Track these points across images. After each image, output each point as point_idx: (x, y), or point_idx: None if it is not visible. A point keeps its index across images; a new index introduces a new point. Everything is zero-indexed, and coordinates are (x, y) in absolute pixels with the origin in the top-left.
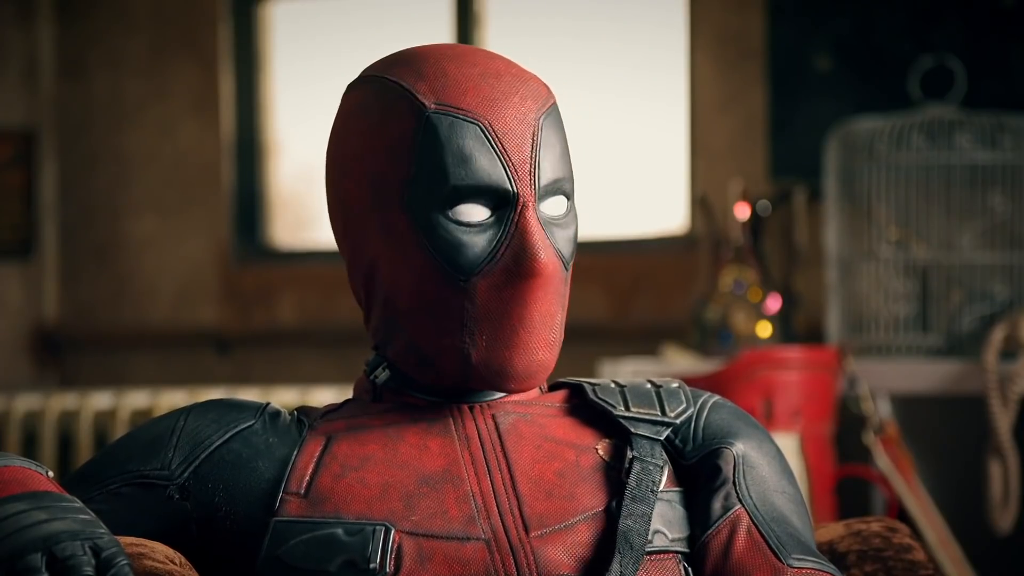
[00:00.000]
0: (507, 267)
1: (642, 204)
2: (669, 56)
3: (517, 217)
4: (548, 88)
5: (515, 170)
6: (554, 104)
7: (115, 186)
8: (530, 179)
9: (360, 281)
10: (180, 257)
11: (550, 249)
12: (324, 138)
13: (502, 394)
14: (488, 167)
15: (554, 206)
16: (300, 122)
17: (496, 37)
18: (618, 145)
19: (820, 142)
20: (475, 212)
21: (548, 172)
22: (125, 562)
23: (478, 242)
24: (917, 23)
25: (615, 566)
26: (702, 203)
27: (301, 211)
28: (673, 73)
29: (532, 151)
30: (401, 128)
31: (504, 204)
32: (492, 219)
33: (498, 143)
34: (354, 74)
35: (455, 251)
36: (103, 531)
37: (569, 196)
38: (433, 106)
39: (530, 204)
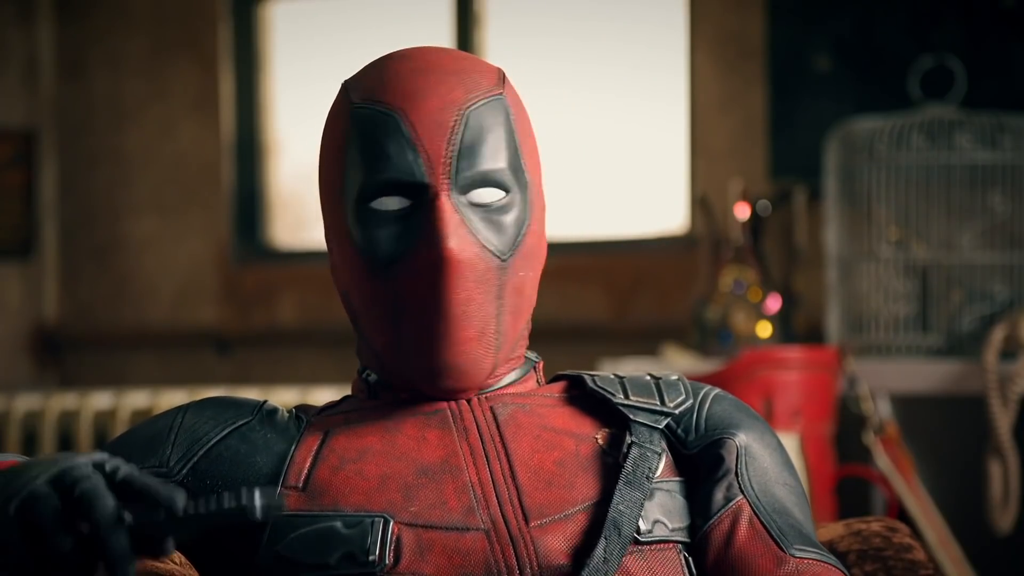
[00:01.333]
0: (420, 254)
1: (642, 204)
2: (669, 56)
3: (429, 205)
4: (499, 80)
5: (428, 159)
6: (498, 95)
7: (115, 186)
8: (445, 167)
9: (335, 282)
10: (180, 257)
11: (465, 236)
12: None
13: (498, 385)
14: (400, 159)
15: (482, 195)
16: (300, 122)
17: (496, 37)
18: (618, 145)
19: (820, 142)
20: (392, 202)
21: (471, 163)
22: (131, 466)
23: (395, 231)
24: (917, 23)
25: (599, 551)
26: (702, 203)
27: (301, 211)
28: (673, 73)
29: (450, 141)
30: (339, 125)
31: (419, 193)
32: (410, 208)
33: (413, 133)
34: (352, 72)
35: (374, 242)
36: (102, 454)
37: (506, 188)
38: (358, 100)
39: (443, 194)
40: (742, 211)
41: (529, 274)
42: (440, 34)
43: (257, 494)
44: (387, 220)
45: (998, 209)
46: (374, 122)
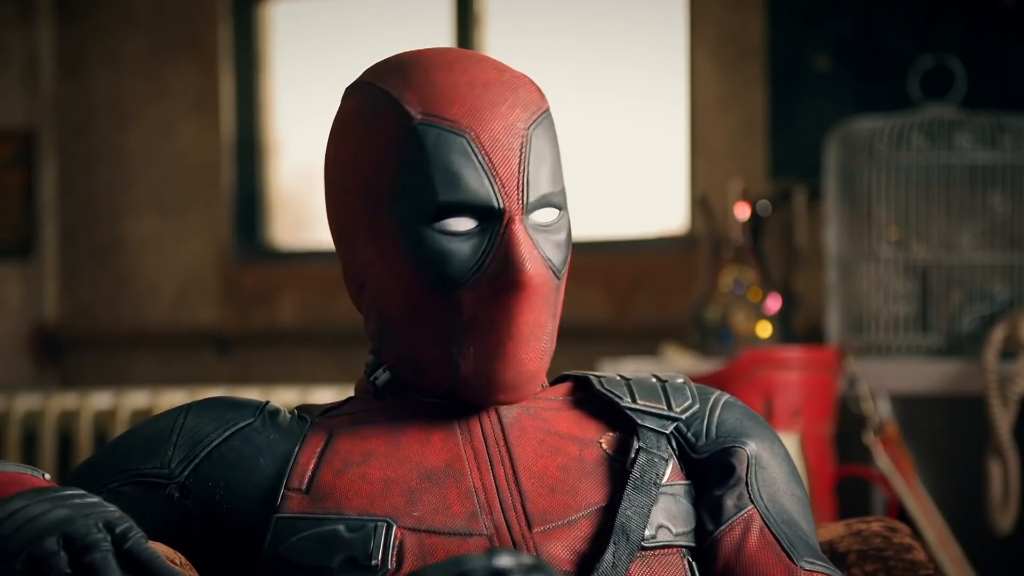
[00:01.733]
0: (493, 278)
1: (642, 204)
2: (669, 56)
3: (503, 230)
4: (540, 93)
5: (502, 185)
6: (546, 111)
7: (115, 186)
8: (518, 194)
9: (355, 287)
10: (180, 257)
11: (537, 260)
12: (324, 139)
13: None
14: (475, 183)
15: (542, 215)
16: (300, 122)
17: (496, 37)
18: (618, 145)
19: (820, 142)
20: (461, 223)
21: (537, 186)
22: (139, 534)
23: (463, 252)
24: (917, 23)
25: (608, 556)
26: (702, 203)
27: (301, 211)
28: (673, 73)
29: (520, 164)
30: (389, 138)
31: (490, 217)
32: (478, 229)
33: (485, 157)
34: (353, 74)
35: (440, 262)
36: (112, 508)
37: (560, 207)
38: (420, 116)
39: (517, 217)
40: (742, 211)
41: (564, 288)
42: (440, 34)
43: None
44: (454, 241)
45: (998, 209)
46: (443, 142)
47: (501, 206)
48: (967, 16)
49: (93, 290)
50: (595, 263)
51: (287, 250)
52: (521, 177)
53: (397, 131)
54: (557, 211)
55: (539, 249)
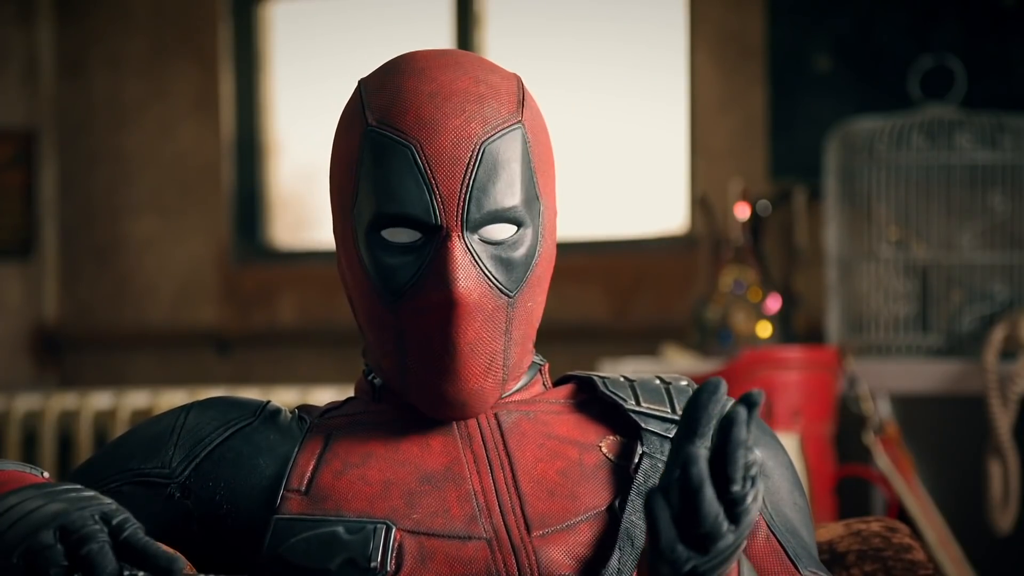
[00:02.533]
0: (427, 294)
1: (642, 204)
2: (669, 56)
3: (439, 245)
4: (516, 104)
5: (442, 200)
6: (515, 126)
7: (115, 186)
8: (458, 209)
9: (342, 283)
10: (180, 257)
11: (473, 278)
12: (324, 138)
13: (506, 393)
14: (414, 196)
15: (494, 231)
16: (300, 122)
17: (496, 37)
18: (618, 145)
19: (820, 142)
20: (403, 235)
21: (485, 202)
22: (136, 525)
23: (404, 266)
24: (917, 23)
25: (614, 562)
26: (702, 203)
27: (301, 211)
28: (673, 73)
29: (466, 179)
30: (351, 143)
31: (429, 231)
32: (419, 243)
33: (427, 168)
34: (353, 74)
35: (382, 273)
36: (108, 501)
37: (519, 223)
38: (374, 123)
39: (454, 234)
40: (742, 211)
41: (537, 299)
42: (440, 34)
43: None
44: (396, 251)
45: (998, 209)
46: (388, 151)
47: (438, 222)
48: (967, 16)
49: (93, 290)
50: (595, 263)
51: (287, 250)
52: (464, 192)
53: (358, 137)
54: (515, 227)
55: (480, 266)
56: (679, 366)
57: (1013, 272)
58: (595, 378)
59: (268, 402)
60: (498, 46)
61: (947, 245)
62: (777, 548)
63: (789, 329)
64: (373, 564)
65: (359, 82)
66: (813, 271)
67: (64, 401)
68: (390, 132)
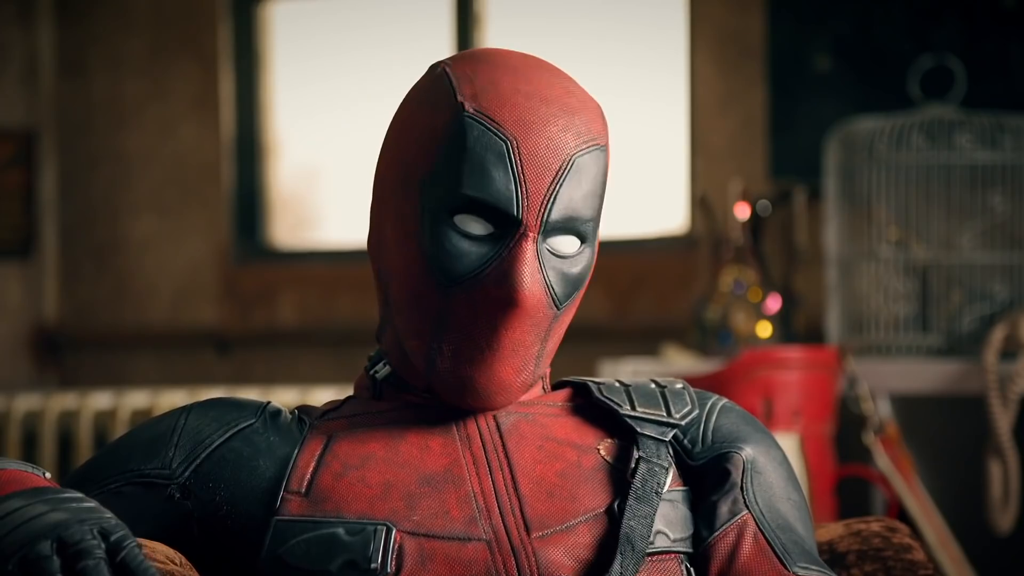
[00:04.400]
0: (488, 288)
1: (642, 204)
2: (669, 56)
3: (513, 243)
4: (603, 124)
5: (527, 196)
6: (602, 146)
7: (115, 186)
8: (540, 210)
9: (373, 254)
10: (180, 257)
11: (538, 283)
12: (324, 138)
13: None
14: (501, 185)
15: (563, 243)
16: (300, 122)
17: (496, 37)
18: (618, 145)
19: (820, 142)
20: (477, 226)
21: (563, 209)
22: (134, 543)
23: (471, 254)
24: (917, 23)
25: (616, 567)
26: (702, 203)
27: (301, 211)
28: (673, 73)
29: (552, 183)
30: (435, 122)
31: (506, 226)
32: (491, 237)
33: (519, 165)
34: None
35: (445, 255)
36: (109, 515)
37: (585, 239)
38: (471, 110)
39: (531, 234)
40: (742, 211)
41: (569, 318)
42: (440, 34)
43: None
44: (464, 240)
45: (998, 209)
46: (484, 140)
47: (519, 216)
48: (967, 16)
49: (93, 290)
50: (595, 263)
51: (287, 250)
52: (549, 196)
53: (446, 118)
54: (580, 243)
55: (544, 273)
56: (679, 366)
57: (1013, 272)
58: (590, 384)
59: (268, 403)
60: (498, 46)
61: (947, 245)
62: (765, 547)
63: (789, 329)
64: (373, 566)
65: (439, 65)
66: (813, 271)
67: (64, 401)
68: (488, 123)
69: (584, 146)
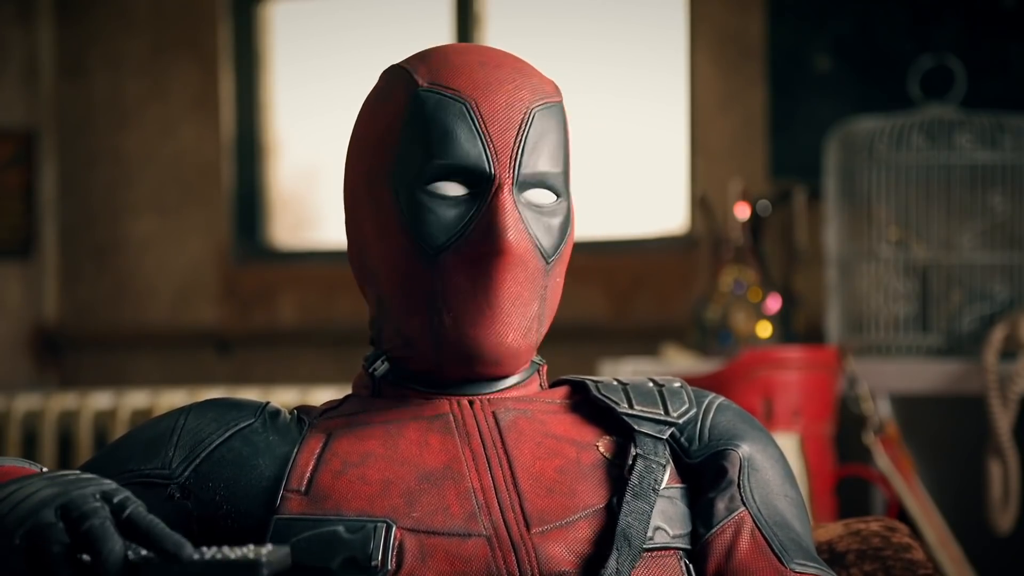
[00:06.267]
0: (475, 243)
1: (642, 204)
2: (669, 56)
3: (491, 196)
4: (556, 89)
5: (496, 152)
6: (557, 103)
7: (115, 186)
8: (510, 163)
9: (356, 265)
10: (180, 257)
11: (522, 232)
12: (324, 138)
13: (501, 387)
14: (469, 146)
15: (538, 196)
16: (300, 122)
17: (496, 37)
18: (618, 145)
19: (820, 142)
20: (452, 188)
21: (533, 162)
22: (137, 503)
23: (450, 216)
24: (917, 23)
25: (612, 563)
26: (702, 203)
27: (301, 211)
28: (673, 73)
29: (518, 138)
30: (396, 106)
31: (481, 183)
32: (468, 196)
33: (482, 124)
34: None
35: (425, 223)
36: (108, 481)
37: (558, 193)
38: (425, 84)
39: (506, 186)
40: (742, 211)
41: (562, 278)
42: (440, 34)
43: (264, 551)
44: (443, 205)
45: (998, 209)
46: (443, 107)
47: (492, 172)
48: (967, 16)
49: (93, 290)
50: (595, 263)
51: (287, 250)
52: (516, 149)
53: (403, 100)
54: (555, 196)
55: (526, 224)
56: (679, 366)
57: (1013, 272)
58: (588, 382)
59: (268, 403)
60: (498, 46)
61: (947, 245)
62: (763, 544)
63: (789, 329)
64: (374, 563)
65: (391, 66)
66: (813, 271)
67: (64, 401)
68: (443, 91)
69: (540, 102)
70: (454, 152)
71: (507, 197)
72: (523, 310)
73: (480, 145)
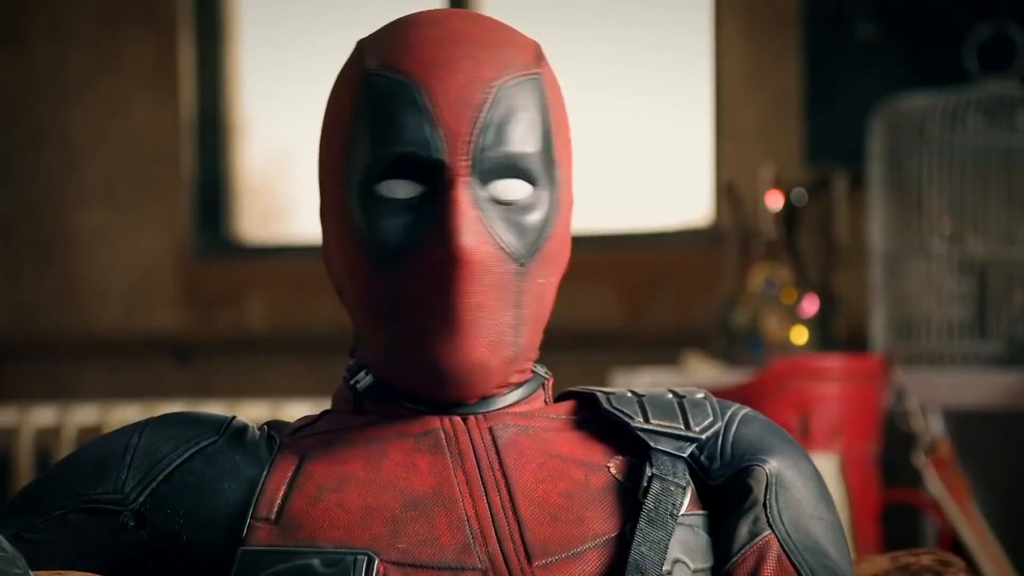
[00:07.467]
0: (427, 252)
1: (661, 193)
2: (692, 25)
3: (443, 194)
4: (532, 57)
5: (448, 136)
6: (534, 75)
7: (59, 172)
8: (466, 148)
9: (327, 264)
10: (134, 253)
11: (481, 234)
12: (297, 118)
13: (501, 404)
14: (415, 131)
15: (508, 188)
16: (271, 100)
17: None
18: (635, 128)
19: (863, 122)
20: (402, 188)
21: (497, 145)
22: None
23: (402, 223)
24: None
25: None
26: (729, 192)
27: (271, 200)
28: (696, 44)
29: (475, 119)
30: (347, 95)
31: (433, 177)
32: (421, 198)
33: (432, 106)
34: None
35: (377, 231)
36: (18, 572)
37: (534, 180)
38: (374, 67)
39: (461, 179)
40: (774, 201)
41: (550, 281)
42: (431, 1)
43: None
44: (394, 208)
45: None
46: (389, 92)
47: (441, 158)
48: None
49: (34, 291)
50: (608, 260)
51: (256, 245)
52: (474, 131)
53: (353, 87)
54: (530, 186)
55: (487, 224)
56: (702, 377)
57: None
58: (598, 394)
59: (233, 418)
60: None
61: (1008, 239)
62: (791, 571)
63: (828, 335)
64: None
65: (358, 41)
66: (855, 269)
67: (2, 417)
68: (391, 74)
69: (510, 76)
70: (399, 140)
71: (462, 193)
72: (490, 321)
73: (427, 131)
